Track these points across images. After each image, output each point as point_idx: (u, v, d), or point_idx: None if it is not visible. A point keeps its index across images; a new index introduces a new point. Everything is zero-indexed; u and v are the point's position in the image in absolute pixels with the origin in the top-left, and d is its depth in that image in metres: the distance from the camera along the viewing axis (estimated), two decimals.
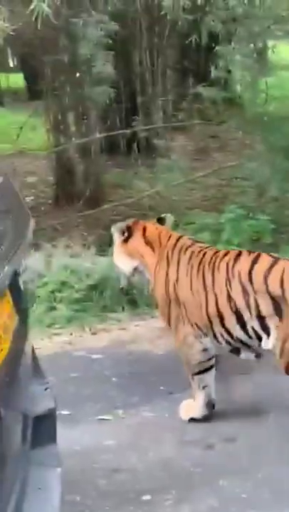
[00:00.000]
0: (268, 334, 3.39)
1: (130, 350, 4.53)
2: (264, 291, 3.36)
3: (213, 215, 6.59)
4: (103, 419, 3.70)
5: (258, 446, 3.41)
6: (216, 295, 3.47)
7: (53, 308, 5.04)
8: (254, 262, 3.45)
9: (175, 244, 3.65)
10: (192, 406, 3.63)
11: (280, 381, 3.56)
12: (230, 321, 3.45)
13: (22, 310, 2.55)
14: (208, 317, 3.49)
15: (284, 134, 6.55)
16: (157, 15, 6.95)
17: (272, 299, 3.35)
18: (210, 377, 3.62)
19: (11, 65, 18.85)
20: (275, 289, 3.34)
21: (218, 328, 3.50)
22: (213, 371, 3.63)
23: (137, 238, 3.69)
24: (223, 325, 3.48)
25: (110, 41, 6.80)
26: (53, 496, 2.47)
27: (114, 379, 4.14)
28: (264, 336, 3.41)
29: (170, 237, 3.70)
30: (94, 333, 4.72)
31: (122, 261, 3.74)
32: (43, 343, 4.66)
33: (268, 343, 3.41)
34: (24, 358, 2.56)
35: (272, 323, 3.36)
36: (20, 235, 2.51)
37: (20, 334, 2.49)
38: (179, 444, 3.45)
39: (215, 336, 3.52)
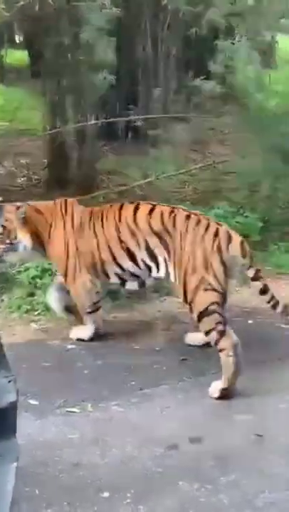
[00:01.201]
0: (157, 264, 4.24)
1: (106, 342, 4.51)
2: (148, 229, 4.23)
3: (202, 209, 6.55)
4: (70, 411, 3.69)
5: (224, 449, 3.40)
6: (107, 239, 4.34)
7: (33, 295, 5.02)
8: (136, 207, 4.37)
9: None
10: (80, 329, 4.51)
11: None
12: (122, 258, 4.33)
13: None
14: (101, 259, 4.36)
15: (281, 133, 6.51)
16: (161, 3, 6.85)
17: (156, 234, 4.21)
18: (99, 315, 4.53)
19: (17, 41, 18.73)
20: (157, 226, 4.21)
21: (110, 266, 4.37)
22: (100, 311, 4.54)
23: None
24: (116, 262, 4.35)
25: (112, 27, 6.74)
26: (6, 491, 2.46)
27: (86, 371, 4.13)
28: (153, 265, 4.27)
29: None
30: (71, 323, 4.69)
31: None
32: (19, 329, 4.65)
33: (159, 272, 4.25)
34: None
35: (159, 253, 4.21)
36: None
37: None
38: (143, 442, 3.43)
39: (107, 274, 4.40)
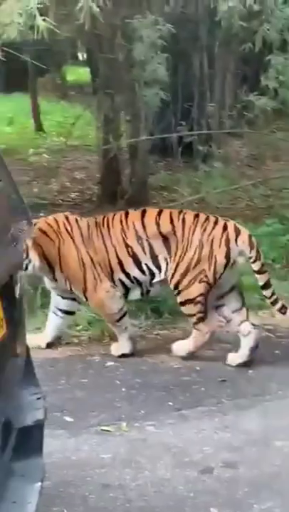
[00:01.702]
0: (160, 270, 4.37)
1: (146, 359, 4.46)
2: (155, 232, 4.34)
3: (253, 226, 6.44)
4: (105, 430, 3.64)
5: (260, 475, 3.29)
6: (114, 246, 4.36)
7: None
8: (143, 212, 4.46)
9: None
10: (119, 345, 4.43)
11: None
12: (128, 264, 4.37)
13: (14, 320, 2.51)
14: (111, 266, 4.37)
15: None
16: (215, 19, 6.81)
17: (162, 236, 4.34)
18: (127, 319, 4.48)
19: (80, 58, 19.08)
20: (165, 226, 4.35)
21: (118, 274, 4.39)
22: (127, 315, 4.49)
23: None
24: (122, 269, 4.39)
25: (165, 43, 6.74)
26: (28, 510, 2.42)
27: (123, 389, 4.08)
28: (156, 271, 4.38)
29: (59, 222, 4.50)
30: (112, 339, 4.66)
31: None
32: (60, 345, 4.64)
33: (160, 276, 4.39)
34: (11, 367, 2.52)
35: (162, 257, 4.35)
36: (16, 239, 2.47)
37: (7, 345, 2.45)
38: (177, 465, 3.35)
39: (114, 283, 4.40)
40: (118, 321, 4.45)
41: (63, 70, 18.37)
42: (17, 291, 2.56)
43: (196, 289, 4.32)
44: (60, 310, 4.59)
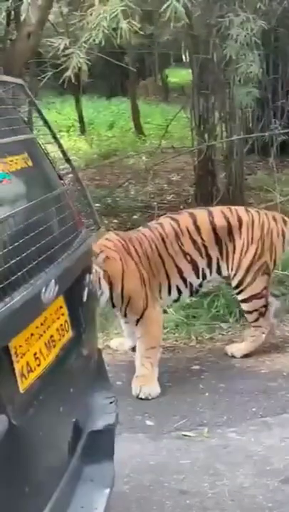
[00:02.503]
0: (211, 270, 4.29)
1: (232, 364, 4.36)
2: (210, 234, 4.23)
3: None
4: (186, 435, 3.59)
5: None
6: (172, 256, 4.18)
7: (164, 312, 4.97)
8: (193, 215, 4.31)
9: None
10: (147, 381, 3.96)
11: None
12: (187, 271, 4.22)
13: (81, 324, 2.52)
14: (168, 276, 4.17)
15: None
16: None
17: (217, 237, 4.25)
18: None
19: (184, 59, 19.14)
20: (220, 223, 4.26)
21: (175, 280, 4.21)
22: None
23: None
24: (181, 276, 4.22)
25: (258, 40, 6.61)
26: None
27: (207, 393, 4.01)
28: (208, 272, 4.28)
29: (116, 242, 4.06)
30: (199, 342, 4.61)
31: None
32: None
33: (211, 276, 4.31)
34: (79, 370, 2.52)
35: (215, 257, 4.27)
36: (82, 241, 2.48)
37: (74, 348, 2.46)
38: (257, 474, 3.26)
39: (170, 290, 4.22)
40: (152, 348, 4.03)
41: (165, 73, 18.48)
42: (85, 294, 2.57)
43: (261, 283, 4.33)
44: None
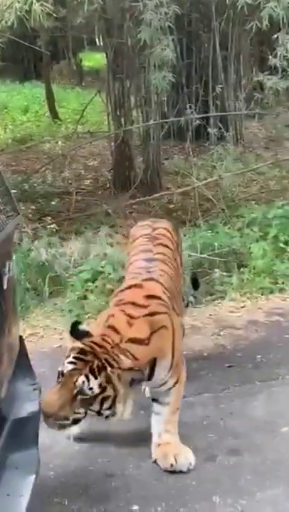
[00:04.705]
0: None
1: None
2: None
3: (265, 209, 6.36)
4: None
5: (264, 463, 3.24)
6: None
7: (85, 298, 4.99)
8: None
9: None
10: (177, 448, 3.20)
11: None
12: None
13: (1, 311, 2.49)
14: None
15: None
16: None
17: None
18: None
19: (98, 43, 19.00)
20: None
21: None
22: None
23: None
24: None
25: (172, 25, 6.66)
26: (19, 505, 2.40)
27: None
28: None
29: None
30: None
31: None
32: (67, 334, 4.61)
33: None
34: (2, 358, 2.49)
35: None
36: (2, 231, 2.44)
37: None
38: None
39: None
40: (178, 408, 3.29)
41: (79, 56, 18.33)
42: (5, 282, 2.53)
43: None
44: None
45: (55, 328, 4.66)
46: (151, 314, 3.05)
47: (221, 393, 3.84)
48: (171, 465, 3.16)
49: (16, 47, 15.05)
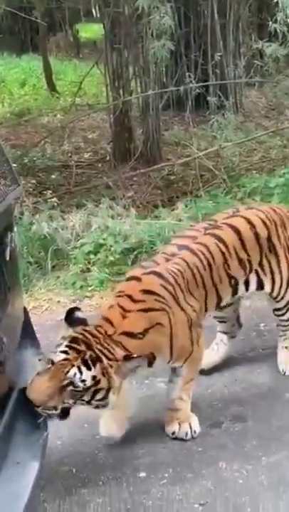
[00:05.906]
0: (247, 287, 3.47)
1: None
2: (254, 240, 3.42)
3: (267, 178, 6.34)
4: None
5: (269, 429, 3.27)
6: (216, 283, 3.31)
7: (88, 270, 5.00)
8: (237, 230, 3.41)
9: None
10: (185, 415, 3.25)
11: None
12: (227, 293, 3.40)
13: (5, 282, 2.49)
14: (206, 293, 3.27)
15: None
16: None
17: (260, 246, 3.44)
18: None
19: (94, 14, 18.75)
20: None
21: (211, 300, 3.31)
22: None
23: None
24: (217, 295, 3.33)
25: None
26: (30, 471, 2.43)
27: None
28: (242, 287, 3.45)
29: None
30: None
31: None
32: (72, 305, 4.63)
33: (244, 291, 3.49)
34: (6, 329, 2.51)
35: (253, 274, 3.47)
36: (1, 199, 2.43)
37: None
38: None
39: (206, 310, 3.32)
40: (193, 379, 3.31)
41: (76, 28, 18.10)
42: (7, 253, 2.54)
43: None
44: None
45: (59, 301, 4.68)
46: (146, 310, 3.01)
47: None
48: (173, 432, 3.22)
49: (12, 20, 14.88)
